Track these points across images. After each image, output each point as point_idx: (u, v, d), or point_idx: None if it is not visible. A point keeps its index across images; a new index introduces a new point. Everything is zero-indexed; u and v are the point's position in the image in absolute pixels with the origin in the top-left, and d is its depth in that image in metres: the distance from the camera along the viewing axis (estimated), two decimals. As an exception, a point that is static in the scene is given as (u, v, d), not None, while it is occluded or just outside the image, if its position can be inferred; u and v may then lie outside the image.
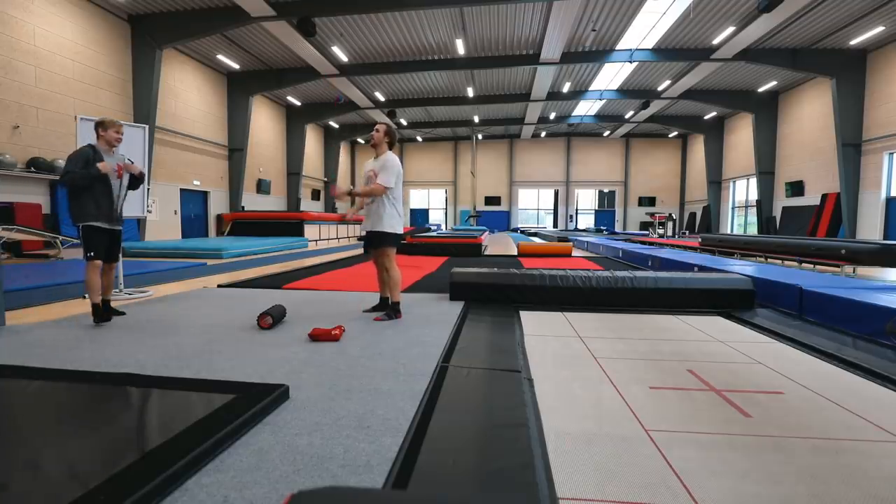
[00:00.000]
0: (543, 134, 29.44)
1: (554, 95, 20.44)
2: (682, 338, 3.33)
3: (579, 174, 30.57)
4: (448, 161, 31.39)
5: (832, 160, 16.16)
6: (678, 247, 12.13)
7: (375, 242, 3.88)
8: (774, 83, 18.23)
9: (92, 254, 3.46)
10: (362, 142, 29.84)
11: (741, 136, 22.39)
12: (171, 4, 12.14)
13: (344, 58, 15.94)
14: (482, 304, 4.35)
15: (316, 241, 15.44)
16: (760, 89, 18.90)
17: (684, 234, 25.67)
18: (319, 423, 1.79)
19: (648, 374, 2.52)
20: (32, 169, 9.88)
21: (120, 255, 3.70)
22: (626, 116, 24.08)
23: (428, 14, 12.89)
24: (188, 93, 15.48)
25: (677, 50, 15.29)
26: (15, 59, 9.79)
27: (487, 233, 19.12)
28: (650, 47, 15.22)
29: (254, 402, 1.84)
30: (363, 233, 4.02)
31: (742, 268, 5.71)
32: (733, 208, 23.69)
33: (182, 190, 15.43)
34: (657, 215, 21.17)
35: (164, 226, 14.45)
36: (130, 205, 4.99)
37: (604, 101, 21.47)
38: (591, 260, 9.65)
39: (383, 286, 4.03)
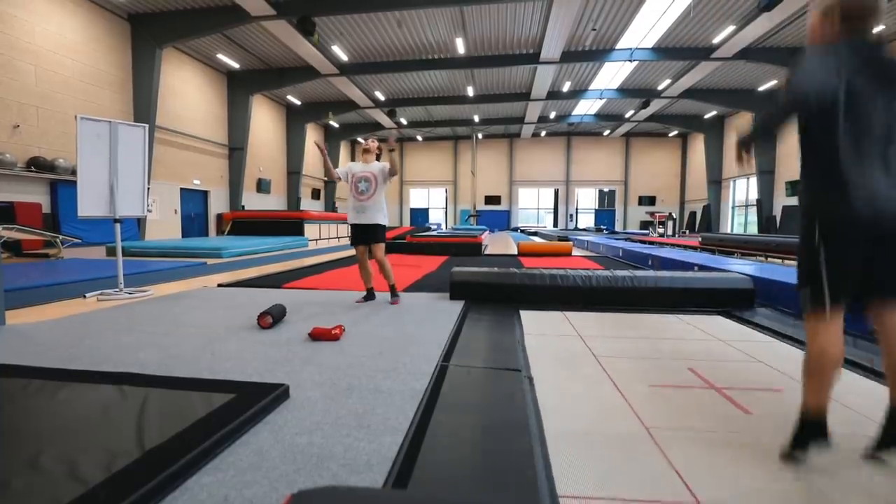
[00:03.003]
0: (543, 133, 29.42)
1: (554, 95, 20.42)
2: (682, 337, 3.33)
3: (579, 173, 30.55)
4: (448, 160, 31.39)
5: (832, 159, 16.12)
6: (678, 246, 12.12)
7: (374, 235, 4.28)
8: (775, 82, 18.19)
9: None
10: (362, 141, 29.82)
11: (741, 135, 22.34)
12: (172, 3, 12.13)
13: (344, 57, 15.93)
14: (482, 303, 4.35)
15: (316, 240, 15.42)
16: (761, 88, 18.86)
17: (684, 233, 25.63)
18: (319, 423, 1.79)
19: (649, 372, 2.52)
20: (33, 168, 9.89)
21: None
22: (626, 115, 24.06)
23: (428, 13, 12.88)
24: (188, 92, 15.47)
25: (677, 49, 15.27)
26: (15, 57, 9.79)
27: (487, 232, 19.11)
28: (650, 46, 15.21)
29: (254, 401, 1.84)
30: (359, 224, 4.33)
31: (742, 267, 5.71)
32: (733, 207, 23.68)
33: (182, 189, 15.43)
34: (657, 214, 21.08)
35: (164, 225, 14.45)
36: (129, 203, 5.00)
37: (604, 101, 21.44)
38: (591, 259, 9.64)
39: (370, 278, 4.46)
